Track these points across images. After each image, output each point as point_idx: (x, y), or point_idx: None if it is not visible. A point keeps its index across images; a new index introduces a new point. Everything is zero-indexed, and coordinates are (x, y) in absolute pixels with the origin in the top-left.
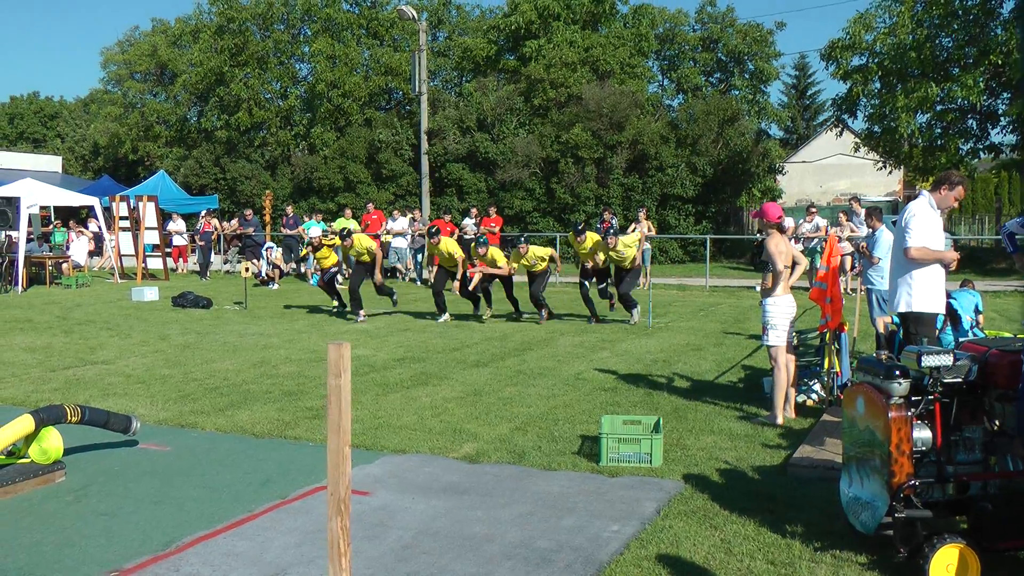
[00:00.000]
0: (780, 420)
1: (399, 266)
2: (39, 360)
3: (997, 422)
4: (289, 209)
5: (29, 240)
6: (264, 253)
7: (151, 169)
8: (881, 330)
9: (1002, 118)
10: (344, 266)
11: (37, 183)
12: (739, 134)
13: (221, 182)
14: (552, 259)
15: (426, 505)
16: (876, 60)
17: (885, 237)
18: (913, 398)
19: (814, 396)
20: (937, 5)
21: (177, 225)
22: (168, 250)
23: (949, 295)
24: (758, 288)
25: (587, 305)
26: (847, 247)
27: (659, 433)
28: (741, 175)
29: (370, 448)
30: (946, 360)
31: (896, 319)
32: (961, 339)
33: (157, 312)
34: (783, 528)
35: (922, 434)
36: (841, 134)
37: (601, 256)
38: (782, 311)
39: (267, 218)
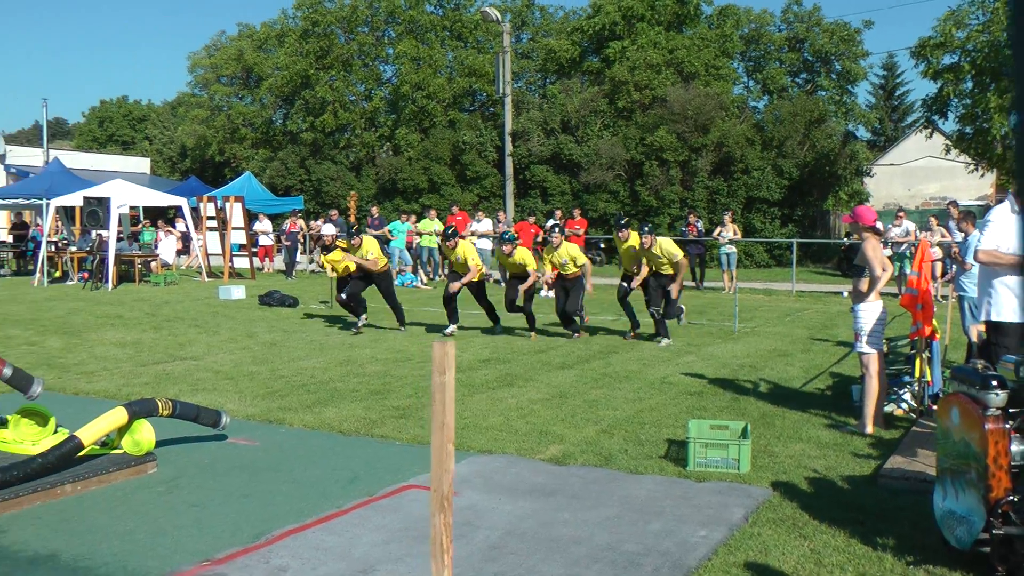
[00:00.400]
0: (870, 429)
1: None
2: (129, 355)
3: None
4: (374, 210)
5: (119, 239)
6: None
7: (237, 170)
8: (974, 338)
9: None
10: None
11: (126, 184)
12: (826, 136)
13: (306, 183)
14: (583, 268)
15: (513, 506)
16: (968, 58)
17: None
18: (1011, 410)
19: (904, 406)
20: None
21: (263, 225)
22: (254, 250)
23: None
24: (846, 294)
25: (626, 312)
26: (938, 252)
27: (747, 439)
28: (828, 178)
29: (456, 448)
30: None
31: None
32: None
33: (244, 310)
34: (874, 540)
35: (1021, 448)
36: (931, 136)
37: (644, 261)
38: (875, 317)
39: (352, 219)
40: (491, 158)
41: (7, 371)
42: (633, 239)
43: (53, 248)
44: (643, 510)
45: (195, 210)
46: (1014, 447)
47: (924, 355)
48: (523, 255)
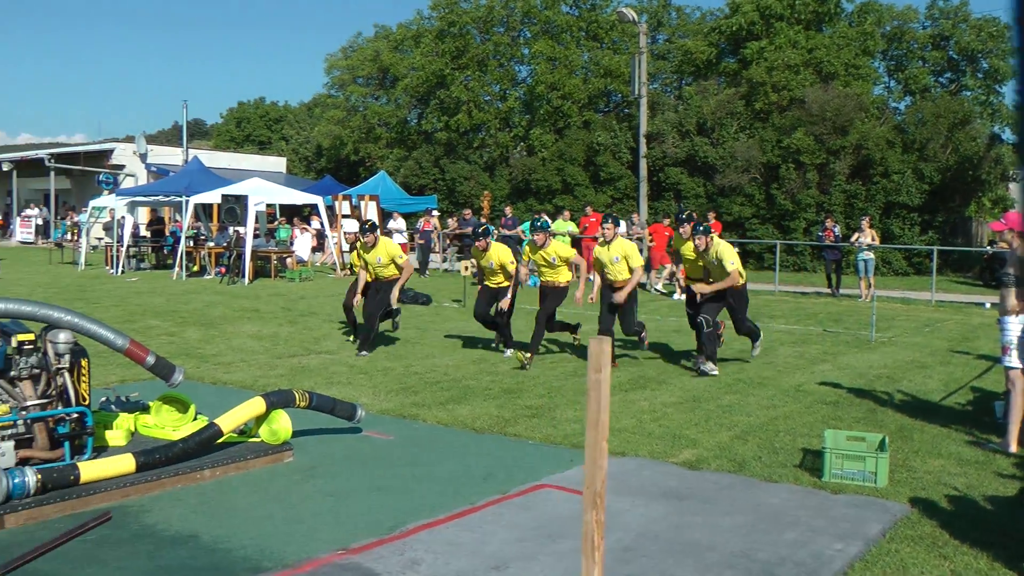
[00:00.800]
0: (1014, 448)
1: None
2: (266, 347)
3: None
4: (508, 210)
5: (256, 236)
6: None
7: (372, 170)
8: None
9: None
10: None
11: (263, 182)
12: (970, 139)
13: (440, 182)
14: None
15: (646, 508)
16: None
17: None
18: None
19: None
20: None
21: (397, 224)
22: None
23: None
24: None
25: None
26: None
27: (885, 452)
28: (971, 183)
29: None
30: None
31: None
32: None
33: None
34: (1018, 565)
35: None
36: None
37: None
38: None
39: (485, 218)
40: (625, 159)
41: (150, 359)
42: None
43: (191, 243)
44: (777, 519)
45: (330, 208)
46: None
47: None
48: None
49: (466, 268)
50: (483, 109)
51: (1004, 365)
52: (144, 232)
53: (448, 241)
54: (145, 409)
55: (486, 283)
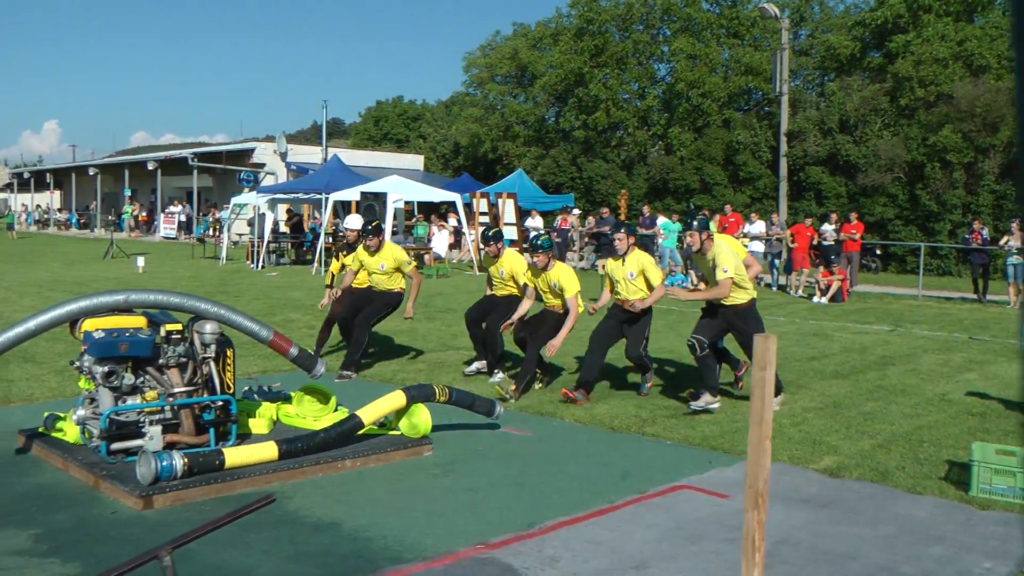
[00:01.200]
0: None
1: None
2: (404, 342)
3: None
4: (646, 209)
5: (394, 233)
6: None
7: (509, 168)
8: None
9: None
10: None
11: (402, 179)
12: None
13: (577, 181)
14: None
15: (785, 515)
16: None
17: None
18: None
19: None
20: None
21: (535, 222)
22: (525, 245)
23: None
24: None
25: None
26: None
27: None
28: None
29: (728, 451)
30: None
31: None
32: None
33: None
34: None
35: None
36: None
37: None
38: None
39: (623, 217)
40: (765, 158)
41: (293, 351)
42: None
43: (330, 240)
44: (922, 533)
45: (468, 206)
46: None
47: None
48: (512, 263)
49: (603, 267)
50: (621, 107)
51: None
52: (283, 228)
53: (585, 240)
54: (287, 399)
55: (494, 292)
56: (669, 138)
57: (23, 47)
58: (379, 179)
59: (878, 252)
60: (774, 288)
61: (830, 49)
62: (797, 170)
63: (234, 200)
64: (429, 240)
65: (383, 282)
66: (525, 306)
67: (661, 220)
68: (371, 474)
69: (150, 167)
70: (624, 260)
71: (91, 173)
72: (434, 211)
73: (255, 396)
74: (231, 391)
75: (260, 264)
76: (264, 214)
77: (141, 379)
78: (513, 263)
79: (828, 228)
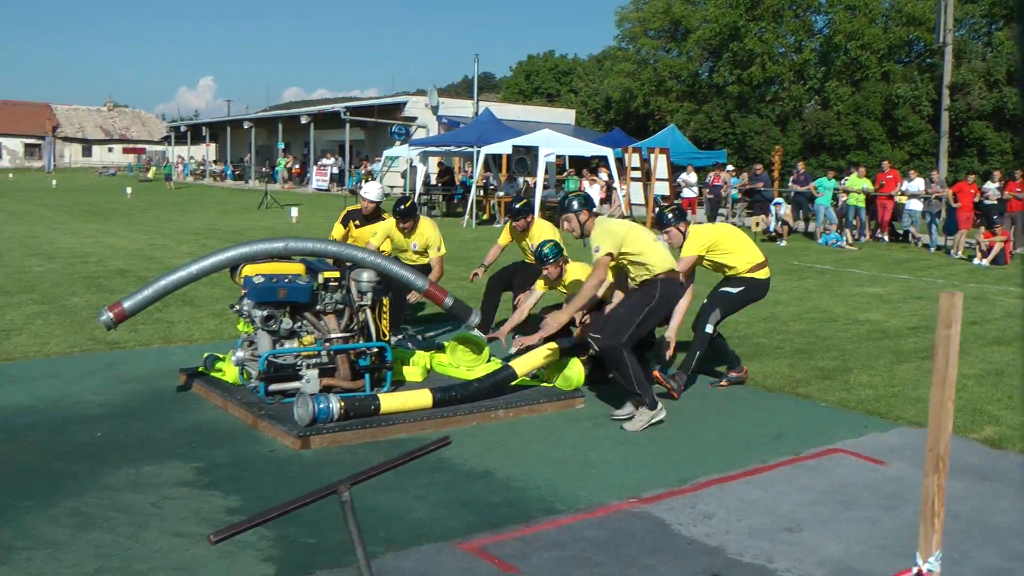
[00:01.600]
0: None
1: (912, 229)
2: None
3: None
4: (800, 166)
5: (544, 186)
6: (773, 209)
7: (661, 123)
8: None
9: None
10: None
11: (554, 133)
12: None
13: (730, 137)
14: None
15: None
16: None
17: None
18: None
19: None
20: None
21: (689, 177)
22: (677, 201)
23: None
24: None
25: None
26: None
27: None
28: None
29: (884, 417)
30: None
31: None
32: None
33: None
34: None
35: None
36: None
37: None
38: None
39: (776, 174)
40: (926, 113)
41: (448, 301)
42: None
43: (481, 193)
44: None
45: (619, 161)
46: None
47: None
48: (543, 232)
49: (756, 224)
50: (777, 61)
51: None
52: (434, 181)
53: (739, 196)
54: (440, 348)
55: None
56: (826, 92)
57: (179, 3)
58: (531, 133)
59: None
60: (932, 249)
61: None
62: (959, 125)
63: (386, 153)
64: None
65: (416, 262)
66: (529, 303)
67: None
68: (524, 425)
69: (303, 121)
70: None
71: (246, 127)
72: (585, 166)
73: (409, 344)
74: (387, 338)
75: None
76: (416, 167)
77: (299, 324)
78: (544, 234)
79: (991, 186)
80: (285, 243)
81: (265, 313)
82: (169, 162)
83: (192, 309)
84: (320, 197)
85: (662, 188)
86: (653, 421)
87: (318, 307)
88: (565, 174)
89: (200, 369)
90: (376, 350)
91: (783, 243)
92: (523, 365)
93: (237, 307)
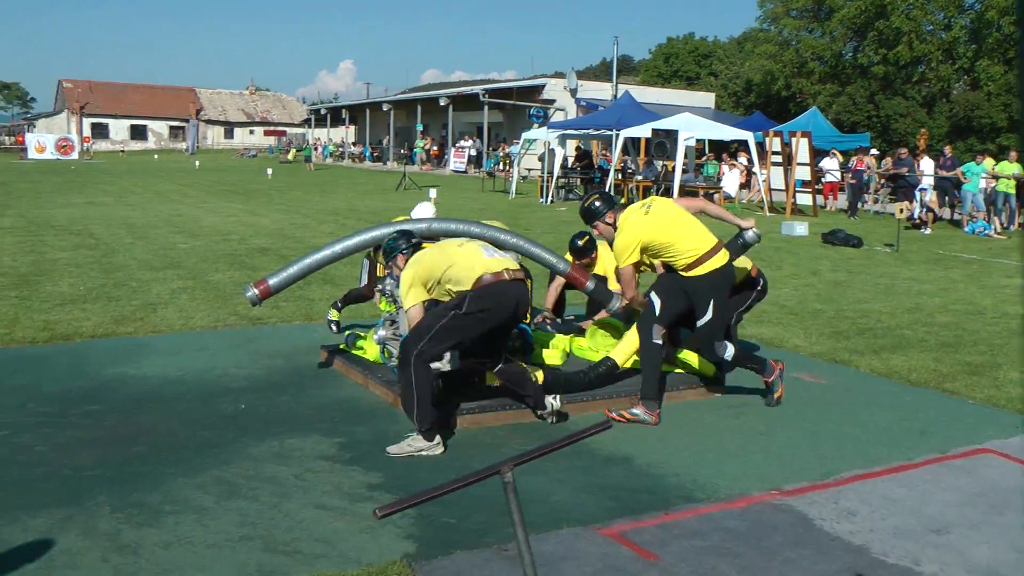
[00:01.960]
0: None
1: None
2: None
3: None
4: (947, 150)
5: (684, 171)
6: (918, 195)
7: (802, 106)
8: None
9: None
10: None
11: (694, 117)
12: None
13: (874, 119)
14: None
15: None
16: None
17: None
18: None
19: None
20: None
21: (831, 162)
22: (818, 186)
23: None
24: None
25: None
26: None
27: None
28: None
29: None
30: None
31: None
32: None
33: (807, 247)
34: None
35: None
36: None
37: None
38: None
39: (919, 158)
40: None
41: (590, 284)
42: None
43: (619, 176)
44: None
45: (760, 145)
46: None
47: None
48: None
49: (900, 211)
50: (924, 40)
51: None
52: (572, 164)
53: (880, 182)
54: (580, 332)
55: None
56: (976, 72)
57: None
58: (670, 116)
59: None
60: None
61: None
62: None
63: (524, 135)
64: (719, 179)
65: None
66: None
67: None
68: (663, 411)
69: (442, 103)
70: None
71: (385, 109)
72: (724, 150)
73: (549, 327)
74: (527, 321)
75: (549, 199)
76: (554, 149)
77: None
78: (609, 260)
79: None
80: (428, 223)
81: None
82: (308, 144)
83: (333, 288)
84: (458, 179)
85: (803, 173)
86: (421, 453)
87: None
88: (704, 159)
89: (342, 347)
90: (516, 332)
91: (928, 231)
92: (622, 355)
93: (380, 287)
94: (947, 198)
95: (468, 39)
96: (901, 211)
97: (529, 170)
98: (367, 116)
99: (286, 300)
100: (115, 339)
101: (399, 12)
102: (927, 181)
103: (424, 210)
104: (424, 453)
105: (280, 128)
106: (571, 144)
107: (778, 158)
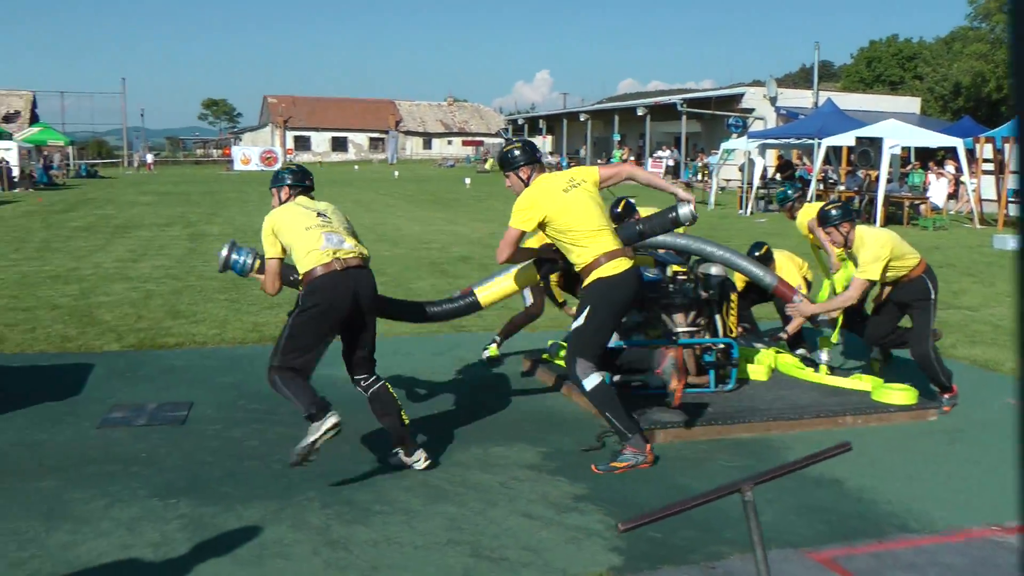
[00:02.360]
0: None
1: None
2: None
3: None
4: None
5: (888, 180)
6: None
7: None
8: None
9: None
10: None
11: (900, 123)
12: None
13: None
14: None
15: None
16: None
17: None
18: None
19: None
20: None
21: None
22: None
23: None
24: None
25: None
26: None
27: None
28: None
29: None
30: None
31: None
32: None
33: None
34: None
35: None
36: None
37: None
38: None
39: None
40: None
41: (797, 299)
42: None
43: (821, 187)
44: None
45: (969, 152)
46: None
47: None
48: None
49: None
50: None
51: None
52: (772, 175)
53: None
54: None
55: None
56: None
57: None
58: (873, 123)
59: None
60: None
61: None
62: None
63: (723, 145)
64: (925, 189)
65: None
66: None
67: None
68: (873, 434)
69: (639, 113)
70: None
71: (582, 119)
72: (931, 158)
73: (753, 343)
74: (733, 335)
75: (749, 210)
76: (753, 160)
77: (646, 317)
78: (784, 270)
79: None
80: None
81: None
82: None
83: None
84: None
85: (1017, 181)
86: (316, 438)
87: (665, 300)
88: (909, 167)
89: (544, 356)
90: (722, 346)
91: None
92: (487, 294)
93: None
94: None
95: (664, 48)
96: None
97: (728, 180)
98: (564, 126)
99: (489, 309)
100: None
101: (595, 23)
102: None
103: None
104: (316, 436)
105: (478, 139)
106: (771, 154)
107: (989, 166)
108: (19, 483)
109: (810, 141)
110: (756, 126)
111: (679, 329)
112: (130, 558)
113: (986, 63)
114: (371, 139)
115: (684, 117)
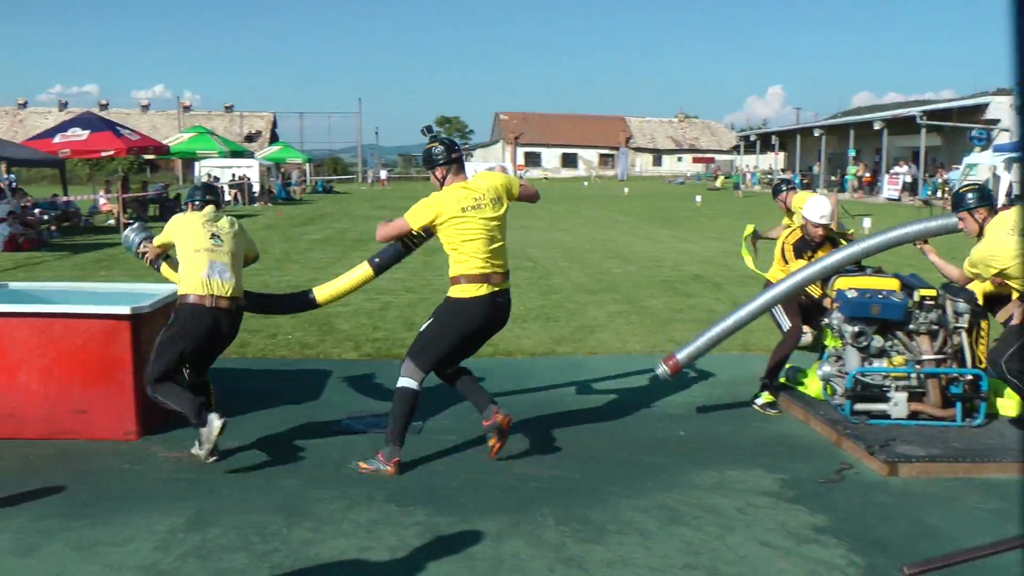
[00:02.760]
0: None
1: None
2: None
3: None
4: None
5: None
6: None
7: None
8: None
9: None
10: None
11: None
12: None
13: None
14: None
15: None
16: None
17: None
18: None
19: None
20: None
21: None
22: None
23: None
24: None
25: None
26: None
27: None
28: None
29: None
30: None
31: None
32: None
33: None
34: None
35: None
36: None
37: None
38: None
39: None
40: None
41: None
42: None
43: None
44: None
45: None
46: None
47: None
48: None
49: None
50: None
51: None
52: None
53: None
54: None
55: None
56: None
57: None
58: None
59: None
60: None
61: None
62: None
63: (965, 160)
64: None
65: None
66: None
67: None
68: None
69: (876, 127)
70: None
71: (816, 134)
72: None
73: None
74: (982, 365)
75: None
76: (999, 175)
77: (890, 343)
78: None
79: None
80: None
81: (856, 329)
82: (737, 171)
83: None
84: (891, 207)
85: None
86: (204, 441)
87: (911, 326)
88: None
89: (782, 380)
90: (970, 377)
91: None
92: (324, 293)
93: (827, 320)
94: None
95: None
96: None
97: None
98: (797, 142)
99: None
100: (554, 358)
101: (829, 35)
102: None
103: (821, 205)
104: (204, 440)
105: (708, 155)
106: (1018, 169)
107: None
108: (263, 480)
109: None
110: (1002, 138)
111: (924, 357)
112: (368, 560)
113: None
114: (601, 155)
115: (923, 130)
